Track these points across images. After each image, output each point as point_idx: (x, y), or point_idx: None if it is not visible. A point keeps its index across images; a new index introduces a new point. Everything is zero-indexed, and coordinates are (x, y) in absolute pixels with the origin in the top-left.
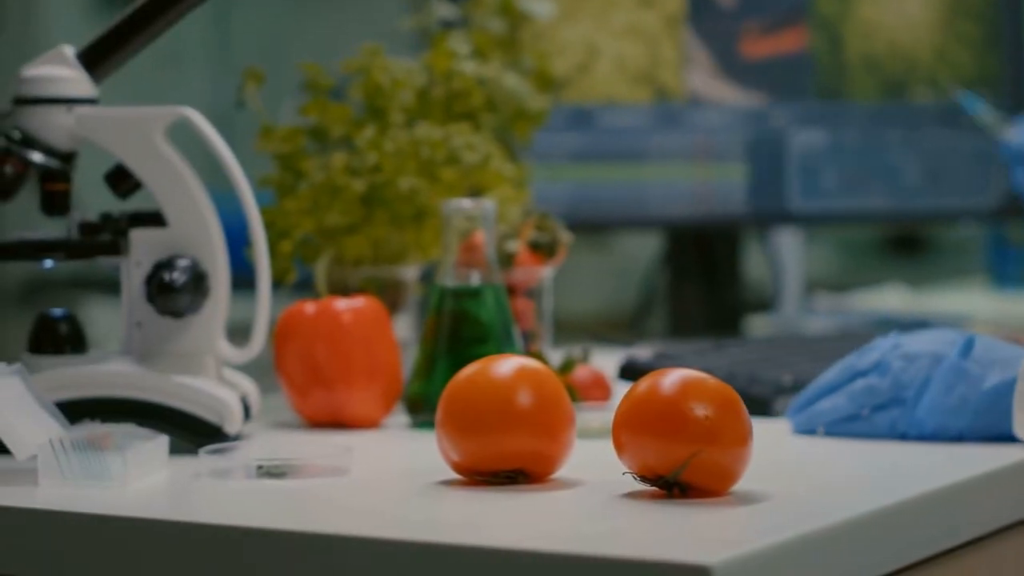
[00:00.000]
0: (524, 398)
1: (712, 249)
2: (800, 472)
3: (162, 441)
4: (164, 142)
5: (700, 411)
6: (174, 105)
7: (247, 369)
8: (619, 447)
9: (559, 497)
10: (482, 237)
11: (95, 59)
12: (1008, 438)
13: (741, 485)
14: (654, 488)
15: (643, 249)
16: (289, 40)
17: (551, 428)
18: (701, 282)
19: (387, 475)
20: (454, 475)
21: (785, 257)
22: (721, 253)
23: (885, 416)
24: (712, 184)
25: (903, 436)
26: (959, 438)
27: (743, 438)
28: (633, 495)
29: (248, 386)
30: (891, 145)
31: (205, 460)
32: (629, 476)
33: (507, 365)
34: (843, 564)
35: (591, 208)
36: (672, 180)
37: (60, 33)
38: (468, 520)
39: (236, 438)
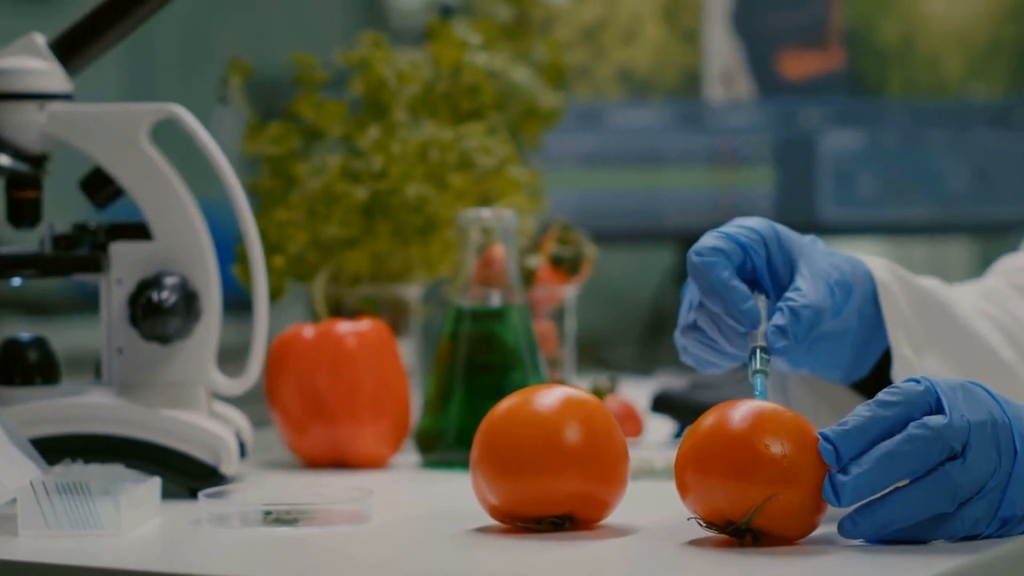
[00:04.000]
0: (573, 434)
1: None
2: None
3: (154, 484)
4: (148, 143)
5: (776, 448)
6: (161, 102)
7: (232, 401)
8: (683, 489)
9: (614, 545)
10: (501, 251)
11: (70, 49)
12: None
13: (817, 531)
14: (722, 535)
15: (628, 265)
16: (213, 30)
17: (603, 468)
18: None
19: (413, 521)
20: (492, 521)
21: None
22: None
23: (978, 506)
24: (735, 191)
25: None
26: None
27: (823, 478)
28: (699, 543)
29: (241, 421)
30: (935, 147)
31: (204, 505)
32: (694, 521)
33: (552, 396)
34: None
35: (600, 218)
36: (691, 187)
37: None
38: (512, 572)
39: (232, 480)
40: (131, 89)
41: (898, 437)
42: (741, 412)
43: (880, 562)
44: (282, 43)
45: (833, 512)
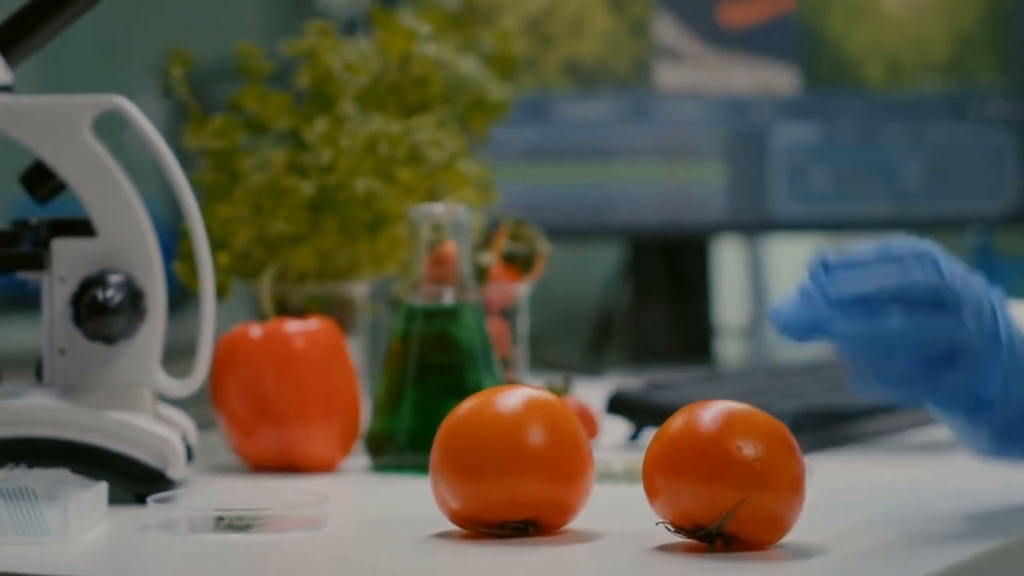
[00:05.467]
0: (537, 436)
1: (682, 261)
2: (853, 518)
3: (101, 489)
4: (92, 137)
5: (748, 450)
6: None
7: (174, 403)
8: (651, 493)
9: (580, 551)
10: (453, 248)
11: (10, 39)
12: None
13: (789, 536)
14: (691, 540)
15: (573, 261)
16: (126, 20)
17: (568, 471)
18: (669, 300)
19: (370, 527)
20: (452, 526)
21: (768, 271)
22: (693, 266)
23: (957, 375)
24: (685, 186)
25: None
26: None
27: (797, 482)
28: (667, 548)
29: (186, 423)
30: (891, 141)
31: (153, 510)
32: (662, 526)
33: (514, 397)
34: None
35: (546, 214)
36: (639, 181)
37: None
38: None
39: (179, 484)
40: (43, 81)
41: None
42: (711, 413)
43: (855, 569)
44: (202, 33)
45: (806, 516)
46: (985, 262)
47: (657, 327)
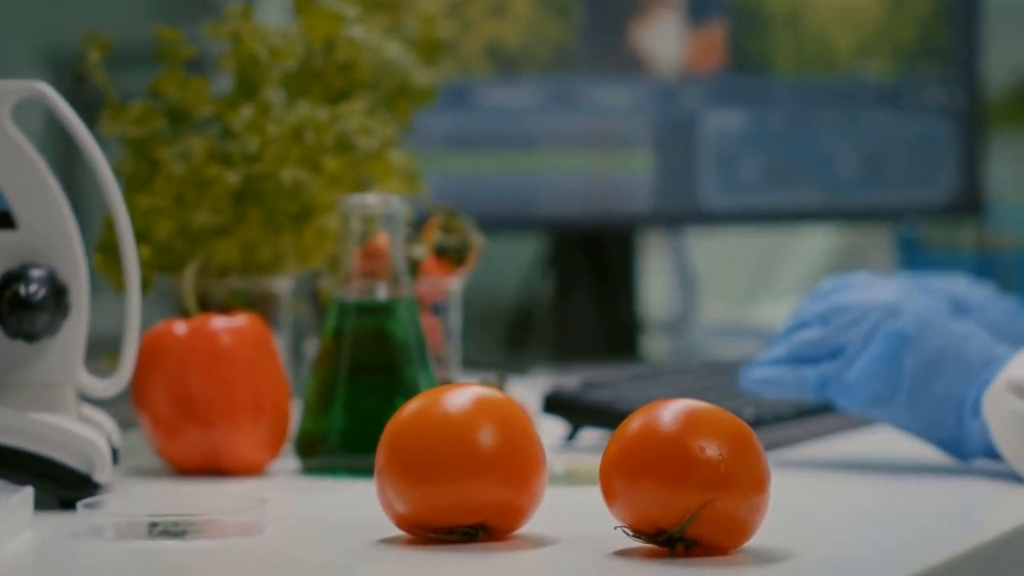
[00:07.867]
0: (487, 437)
1: (607, 254)
2: (816, 520)
3: (27, 494)
4: (11, 124)
5: (711, 451)
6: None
7: (94, 403)
8: (609, 496)
9: (533, 557)
10: (385, 241)
11: None
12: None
13: (752, 539)
14: (651, 545)
15: (491, 254)
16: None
17: (520, 473)
18: (593, 294)
19: (310, 532)
20: (398, 532)
21: (696, 265)
22: (618, 259)
23: (816, 371)
24: (610, 175)
25: (831, 402)
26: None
27: (761, 483)
28: (626, 553)
29: (110, 425)
30: (825, 129)
31: (82, 516)
32: (620, 530)
33: (463, 396)
34: None
35: (465, 204)
36: (563, 170)
37: None
38: None
39: (105, 489)
40: None
41: None
42: (672, 412)
43: (823, 574)
44: (81, 16)
45: (771, 520)
46: (911, 254)
47: (581, 322)
